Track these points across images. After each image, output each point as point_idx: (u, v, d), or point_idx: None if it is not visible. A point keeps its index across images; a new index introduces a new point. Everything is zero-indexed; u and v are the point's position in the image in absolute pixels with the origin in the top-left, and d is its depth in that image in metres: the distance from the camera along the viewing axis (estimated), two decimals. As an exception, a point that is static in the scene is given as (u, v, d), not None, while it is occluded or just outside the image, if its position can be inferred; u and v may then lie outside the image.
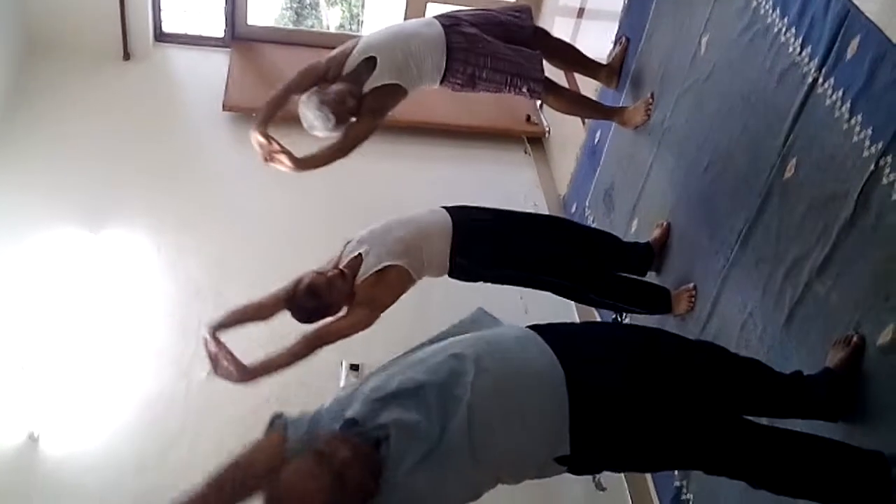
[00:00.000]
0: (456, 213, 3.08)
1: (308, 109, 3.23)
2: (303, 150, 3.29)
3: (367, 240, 2.96)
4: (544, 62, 3.67)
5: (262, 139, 3.22)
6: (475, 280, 3.13)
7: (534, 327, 2.07)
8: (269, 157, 3.25)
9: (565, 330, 2.13)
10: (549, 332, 2.01)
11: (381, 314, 2.88)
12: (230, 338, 2.79)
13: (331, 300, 2.82)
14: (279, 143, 3.23)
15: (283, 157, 3.23)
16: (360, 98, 3.31)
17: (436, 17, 3.57)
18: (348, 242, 3.01)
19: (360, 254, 2.92)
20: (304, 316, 2.82)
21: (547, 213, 4.76)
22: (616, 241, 3.52)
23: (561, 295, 3.30)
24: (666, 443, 2.00)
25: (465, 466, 1.75)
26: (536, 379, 1.87)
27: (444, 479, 1.72)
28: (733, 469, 2.10)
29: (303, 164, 3.28)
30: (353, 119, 3.32)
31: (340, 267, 2.90)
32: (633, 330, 2.51)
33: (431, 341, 2.02)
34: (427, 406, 1.75)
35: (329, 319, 2.85)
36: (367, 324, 2.84)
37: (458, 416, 1.74)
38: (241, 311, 2.88)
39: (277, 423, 1.84)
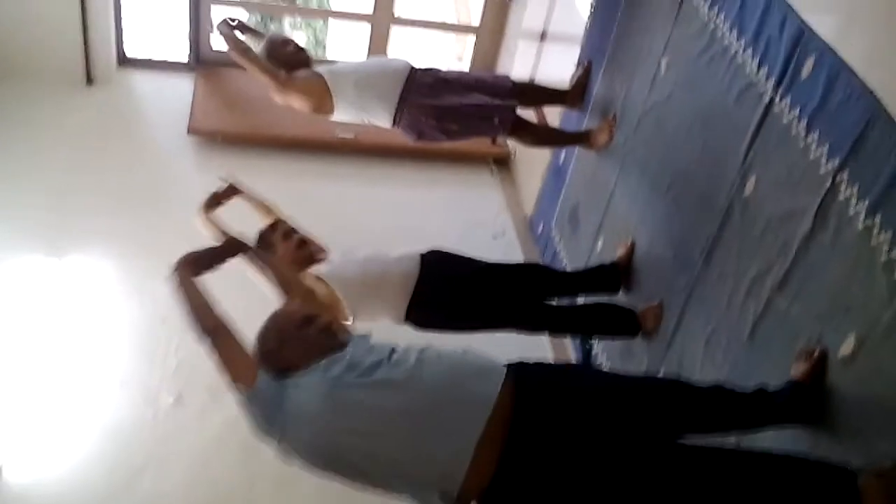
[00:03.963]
0: (428, 267, 3.10)
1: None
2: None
3: (344, 254, 3.09)
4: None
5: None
6: (432, 331, 3.12)
7: (519, 370, 2.09)
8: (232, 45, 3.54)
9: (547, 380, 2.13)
10: (527, 381, 2.05)
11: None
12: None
13: (270, 242, 3.05)
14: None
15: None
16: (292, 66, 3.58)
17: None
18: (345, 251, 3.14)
19: (326, 258, 3.07)
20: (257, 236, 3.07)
21: (513, 233, 4.82)
22: (582, 277, 3.62)
23: (526, 333, 3.37)
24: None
25: (325, 416, 1.95)
26: (455, 415, 1.95)
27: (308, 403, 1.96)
28: None
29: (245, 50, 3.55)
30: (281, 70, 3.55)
31: (307, 240, 3.09)
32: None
33: None
34: (376, 357, 2.04)
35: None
36: (293, 290, 2.81)
37: (367, 387, 1.97)
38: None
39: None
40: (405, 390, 1.96)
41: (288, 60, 3.57)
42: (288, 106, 3.61)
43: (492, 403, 1.96)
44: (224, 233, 2.92)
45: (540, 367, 2.18)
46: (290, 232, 3.09)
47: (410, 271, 3.07)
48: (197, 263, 2.26)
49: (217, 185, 3.20)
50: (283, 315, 2.22)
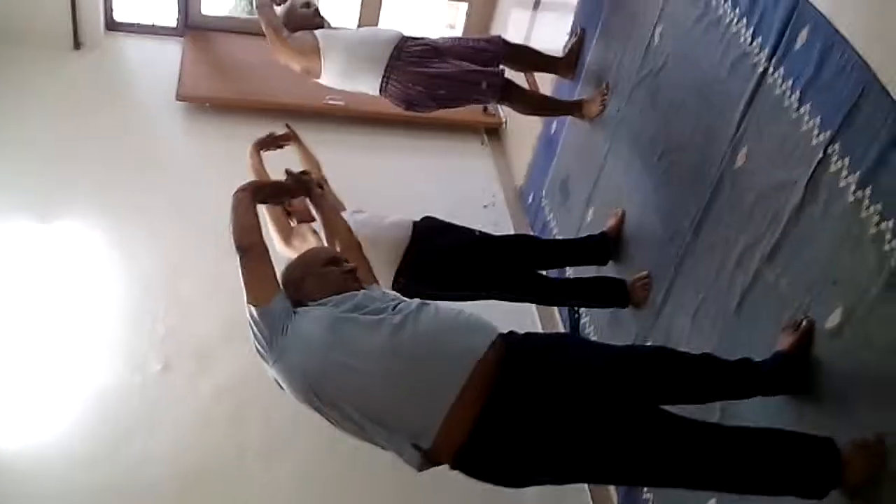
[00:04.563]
0: (419, 234, 3.10)
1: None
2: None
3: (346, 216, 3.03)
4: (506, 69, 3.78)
5: None
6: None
7: (509, 337, 2.12)
8: None
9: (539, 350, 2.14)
10: (518, 350, 2.07)
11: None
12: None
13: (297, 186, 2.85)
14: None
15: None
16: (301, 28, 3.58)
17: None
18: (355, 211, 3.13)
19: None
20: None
21: (504, 203, 4.80)
22: (572, 247, 3.63)
23: (515, 302, 3.39)
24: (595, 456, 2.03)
25: (322, 345, 2.02)
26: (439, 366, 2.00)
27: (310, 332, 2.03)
28: (672, 475, 2.09)
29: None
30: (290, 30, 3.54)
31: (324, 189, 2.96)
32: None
33: None
34: (383, 304, 2.13)
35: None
36: (340, 240, 2.75)
37: (366, 325, 2.04)
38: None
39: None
40: (396, 336, 2.00)
41: (302, 24, 3.56)
42: (286, 66, 3.62)
43: (471, 362, 1.98)
44: (265, 176, 2.99)
45: (528, 336, 2.19)
46: (307, 181, 3.01)
47: (402, 238, 3.07)
48: (261, 193, 2.36)
49: (277, 130, 3.24)
50: (313, 252, 2.37)
